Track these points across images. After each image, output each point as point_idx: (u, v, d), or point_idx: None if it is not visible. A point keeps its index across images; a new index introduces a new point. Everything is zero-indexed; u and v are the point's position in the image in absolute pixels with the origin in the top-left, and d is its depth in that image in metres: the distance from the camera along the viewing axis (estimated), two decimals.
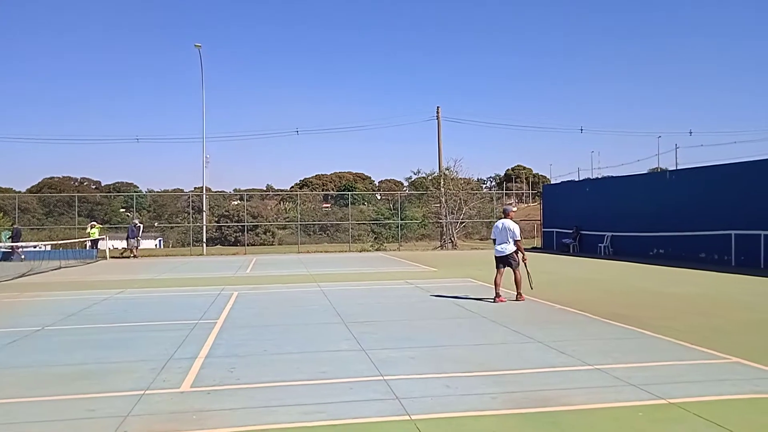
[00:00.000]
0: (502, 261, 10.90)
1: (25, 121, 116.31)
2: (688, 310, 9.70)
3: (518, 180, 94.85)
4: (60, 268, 21.01)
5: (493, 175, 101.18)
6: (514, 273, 10.76)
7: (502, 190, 70.73)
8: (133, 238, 28.31)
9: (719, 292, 12.21)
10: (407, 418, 4.50)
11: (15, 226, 28.54)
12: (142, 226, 29.32)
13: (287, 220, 46.01)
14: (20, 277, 17.27)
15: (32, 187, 72.15)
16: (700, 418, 4.39)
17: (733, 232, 19.07)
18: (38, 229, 38.76)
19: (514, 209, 11.46)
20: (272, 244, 42.80)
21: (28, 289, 14.02)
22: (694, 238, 20.67)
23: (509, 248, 10.75)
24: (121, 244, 31.24)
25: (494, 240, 11.10)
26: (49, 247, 25.03)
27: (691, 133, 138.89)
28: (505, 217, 10.98)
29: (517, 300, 10.71)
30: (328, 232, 43.95)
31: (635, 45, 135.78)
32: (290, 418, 4.53)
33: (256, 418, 4.55)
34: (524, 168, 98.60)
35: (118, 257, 27.90)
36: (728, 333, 7.75)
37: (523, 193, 75.44)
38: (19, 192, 55.92)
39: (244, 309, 10.41)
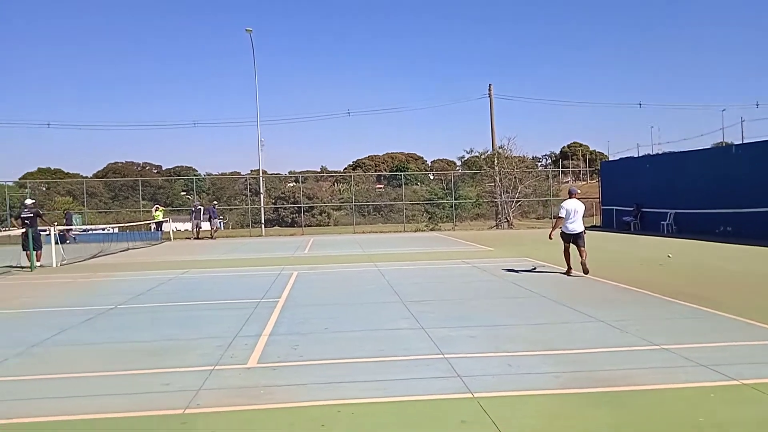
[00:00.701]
0: (574, 238, 11.49)
1: (89, 108, 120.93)
2: (757, 289, 9.32)
3: (574, 157, 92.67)
4: (127, 249, 21.91)
5: (548, 153, 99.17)
6: (582, 249, 11.25)
7: (558, 167, 69.32)
8: (197, 220, 29.25)
9: None
10: (470, 395, 4.53)
11: (67, 211, 29.79)
12: (203, 208, 30.21)
13: (341, 201, 46.44)
14: (92, 258, 18.10)
15: (98, 172, 75.19)
16: None
17: None
18: (105, 212, 40.44)
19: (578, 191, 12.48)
20: (328, 225, 43.37)
21: (100, 270, 14.69)
22: (763, 214, 19.76)
23: (581, 227, 11.54)
24: (185, 226, 32.34)
25: (564, 218, 11.60)
26: (116, 230, 26.10)
27: (758, 105, 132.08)
28: (571, 197, 11.78)
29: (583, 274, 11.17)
30: (382, 212, 44.16)
31: (697, 12, 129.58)
32: (354, 394, 4.63)
33: (321, 393, 4.66)
34: (581, 145, 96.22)
35: (196, 238, 28.85)
36: None
37: (579, 171, 73.72)
38: (87, 177, 58.39)
39: (304, 288, 10.62)
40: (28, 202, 17.13)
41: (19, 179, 53.93)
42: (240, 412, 4.32)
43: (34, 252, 15.52)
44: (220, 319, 7.84)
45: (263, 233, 32.21)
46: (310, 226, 39.91)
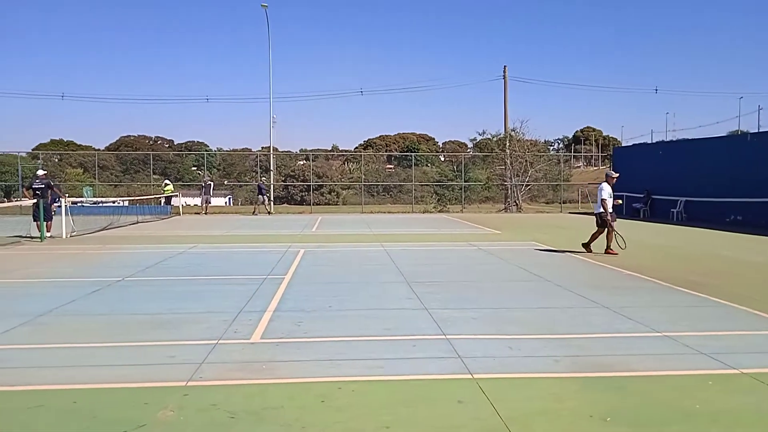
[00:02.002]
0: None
1: (102, 81, 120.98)
2: (764, 279, 9.28)
3: (587, 142, 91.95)
4: (137, 222, 22.09)
5: (561, 137, 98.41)
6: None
7: (570, 152, 68.83)
8: (207, 195, 29.46)
9: None
10: (469, 376, 4.56)
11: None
12: (212, 183, 30.39)
13: (351, 180, 46.44)
14: (102, 230, 18.25)
15: (110, 145, 75.50)
16: None
17: None
18: (116, 185, 40.69)
19: (615, 174, 12.89)
20: (336, 204, 43.42)
21: (110, 242, 14.83)
22: None
23: (597, 208, 12.53)
24: (194, 201, 32.50)
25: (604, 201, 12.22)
26: (126, 203, 26.26)
27: None
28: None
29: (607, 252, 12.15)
30: (391, 192, 44.13)
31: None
32: (355, 371, 4.68)
33: (323, 370, 4.72)
34: (594, 130, 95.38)
35: (205, 213, 29.09)
36: None
37: (592, 156, 73.15)
38: (99, 150, 58.64)
39: (310, 266, 10.68)
40: (40, 173, 17.27)
41: (32, 150, 54.30)
42: (241, 386, 4.38)
43: (45, 223, 15.67)
44: (225, 294, 7.91)
45: (272, 210, 32.31)
46: (319, 204, 39.97)
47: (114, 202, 26.82)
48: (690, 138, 35.35)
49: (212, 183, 30.57)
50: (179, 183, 37.19)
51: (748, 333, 5.92)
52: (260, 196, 30.06)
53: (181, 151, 70.87)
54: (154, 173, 37.99)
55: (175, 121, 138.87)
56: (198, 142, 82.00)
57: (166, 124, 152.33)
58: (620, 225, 12.07)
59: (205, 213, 28.94)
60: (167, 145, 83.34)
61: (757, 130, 46.76)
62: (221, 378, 4.54)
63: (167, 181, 30.82)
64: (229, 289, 8.37)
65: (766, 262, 11.44)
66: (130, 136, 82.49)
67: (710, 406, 3.97)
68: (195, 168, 55.91)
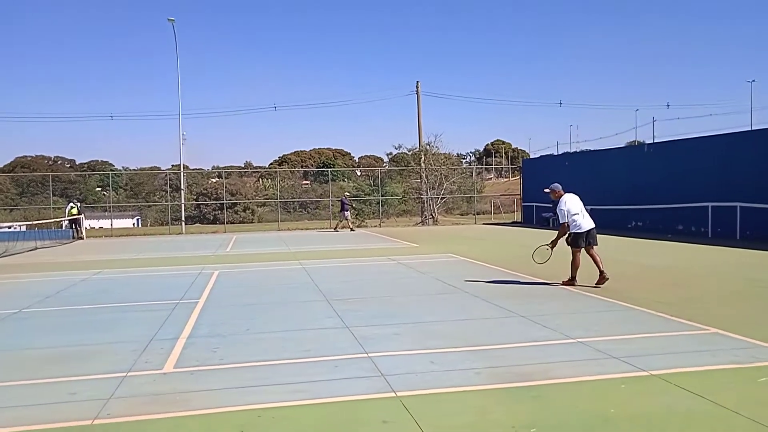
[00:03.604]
0: (588, 237, 9.59)
1: None
2: (666, 283, 9.83)
3: (498, 155, 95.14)
4: (36, 249, 20.67)
5: (473, 150, 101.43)
6: (593, 253, 9.53)
7: (482, 164, 70.96)
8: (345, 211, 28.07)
9: (697, 264, 12.40)
10: (392, 395, 4.50)
11: None
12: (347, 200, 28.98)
13: (266, 197, 45.73)
14: None
15: (4, 166, 70.64)
16: (681, 389, 4.46)
17: (709, 204, 19.34)
18: (11, 209, 38.06)
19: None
20: (252, 222, 42.59)
21: (4, 271, 13.77)
22: (672, 210, 20.93)
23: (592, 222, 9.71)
24: (98, 223, 30.76)
25: (569, 214, 9.67)
26: (23, 228, 24.59)
27: (668, 106, 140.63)
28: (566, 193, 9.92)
29: (600, 284, 9.29)
30: (308, 209, 43.81)
31: (613, 19, 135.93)
32: (275, 397, 4.51)
33: (240, 398, 4.52)
34: (504, 142, 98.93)
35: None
36: (706, 304, 7.87)
37: (502, 168, 75.69)
38: None
39: (225, 288, 10.33)
40: None
41: None
42: (153, 421, 4.11)
43: None
44: (134, 323, 7.49)
45: (184, 230, 31.21)
46: (233, 222, 39.05)
47: (9, 227, 25.02)
48: (593, 149, 37.33)
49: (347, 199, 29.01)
50: (84, 204, 35.21)
51: (655, 335, 6.21)
52: (344, 212, 28.27)
53: (83, 171, 67.35)
54: (54, 195, 35.83)
55: (76, 140, 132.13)
56: (102, 161, 78.40)
57: (66, 143, 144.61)
58: (532, 234, 12.36)
59: (344, 228, 27.96)
60: (68, 165, 79.09)
61: (652, 141, 50.05)
62: (131, 413, 4.25)
63: (72, 204, 29.11)
64: (139, 316, 7.93)
65: (666, 266, 12.15)
66: (26, 156, 77.65)
67: (625, 410, 4.10)
68: (99, 188, 53.26)
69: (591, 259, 9.50)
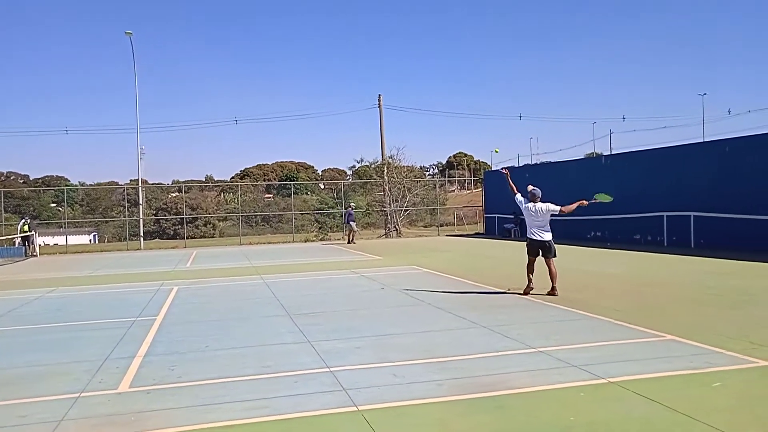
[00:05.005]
0: (541, 247, 9.72)
1: None
2: (624, 291, 10.03)
3: (460, 167, 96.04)
4: None
5: (435, 163, 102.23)
6: (551, 264, 9.66)
7: (445, 177, 71.55)
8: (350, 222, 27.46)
9: (653, 273, 12.68)
10: (354, 409, 4.46)
11: None
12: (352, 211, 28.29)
13: (228, 211, 45.19)
14: None
15: None
16: (638, 396, 4.53)
17: (665, 214, 19.86)
18: None
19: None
20: (213, 237, 42.00)
21: None
22: (629, 220, 21.41)
23: (549, 234, 9.77)
24: (53, 240, 29.85)
25: (520, 221, 9.90)
26: None
27: (624, 118, 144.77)
28: (535, 200, 9.90)
29: (551, 294, 9.49)
30: (270, 222, 43.42)
31: (571, 33, 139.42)
32: (234, 415, 4.41)
33: (199, 416, 4.41)
34: (465, 155, 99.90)
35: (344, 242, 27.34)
36: (662, 312, 8.04)
37: (465, 180, 76.42)
38: None
39: (184, 304, 10.12)
40: None
41: None
42: None
43: None
44: (88, 342, 7.26)
45: (142, 246, 30.55)
46: (194, 237, 38.42)
47: None
48: (553, 161, 38.04)
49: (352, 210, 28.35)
50: (37, 221, 34.16)
51: (612, 343, 6.31)
52: (351, 223, 27.61)
53: (37, 186, 65.47)
54: (6, 211, 34.69)
55: (30, 155, 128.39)
56: (57, 176, 76.32)
57: (19, 158, 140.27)
58: (494, 245, 12.41)
59: (352, 242, 27.11)
60: (21, 181, 76.82)
61: (609, 153, 51.29)
62: None
63: (24, 220, 28.20)
64: (94, 335, 7.69)
65: (623, 274, 12.40)
66: None
67: (584, 418, 4.14)
68: (54, 204, 51.83)
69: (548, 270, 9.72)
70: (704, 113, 79.47)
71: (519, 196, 10.28)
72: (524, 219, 10.24)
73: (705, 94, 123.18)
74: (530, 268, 9.92)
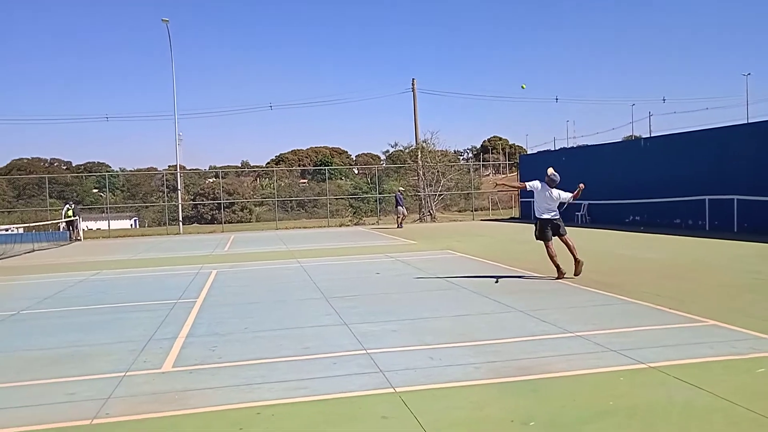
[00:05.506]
0: (555, 226, 9.84)
1: None
2: (664, 275, 9.84)
3: (495, 151, 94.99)
4: (33, 251, 20.64)
5: (469, 147, 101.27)
6: (567, 240, 9.83)
7: (479, 161, 70.93)
8: (400, 206, 27.61)
9: (694, 257, 12.41)
10: (392, 390, 4.50)
11: None
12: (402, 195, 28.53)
13: (264, 196, 45.71)
14: None
15: (1, 169, 70.49)
16: (680, 381, 4.46)
17: (707, 197, 19.37)
18: (9, 212, 37.99)
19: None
20: (250, 221, 42.54)
21: (1, 273, 13.75)
22: (669, 204, 20.96)
23: (558, 213, 9.95)
24: (96, 224, 30.64)
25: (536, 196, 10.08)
26: (21, 230, 24.55)
27: (664, 100, 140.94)
28: (552, 185, 9.97)
29: (576, 268, 9.74)
30: (306, 207, 43.79)
31: (609, 14, 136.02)
32: (274, 395, 4.50)
33: (239, 396, 4.52)
34: (500, 139, 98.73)
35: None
36: (704, 297, 7.88)
37: (500, 164, 75.56)
38: None
39: (223, 287, 10.33)
40: None
41: None
42: (152, 420, 4.11)
43: None
44: (133, 322, 7.48)
45: (181, 231, 31.18)
46: (231, 222, 38.98)
47: (7, 229, 24.98)
48: (590, 144, 37.35)
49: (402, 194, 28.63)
50: (80, 206, 35.13)
51: (652, 328, 6.22)
52: (399, 207, 27.80)
53: (80, 173, 67.19)
54: (51, 197, 35.77)
55: (72, 142, 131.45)
56: (99, 162, 78.15)
57: (62, 145, 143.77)
58: (530, 230, 12.22)
59: (400, 226, 27.24)
60: (65, 167, 78.88)
61: (649, 135, 50.06)
62: (130, 413, 4.25)
63: (68, 206, 29.06)
64: (137, 316, 7.92)
65: (662, 259, 12.17)
66: (22, 158, 77.37)
67: (624, 402, 4.11)
68: (96, 190, 53.20)
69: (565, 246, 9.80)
70: (748, 94, 76.81)
71: (530, 184, 10.10)
72: (560, 203, 10.06)
73: (749, 74, 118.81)
74: (552, 253, 9.84)
